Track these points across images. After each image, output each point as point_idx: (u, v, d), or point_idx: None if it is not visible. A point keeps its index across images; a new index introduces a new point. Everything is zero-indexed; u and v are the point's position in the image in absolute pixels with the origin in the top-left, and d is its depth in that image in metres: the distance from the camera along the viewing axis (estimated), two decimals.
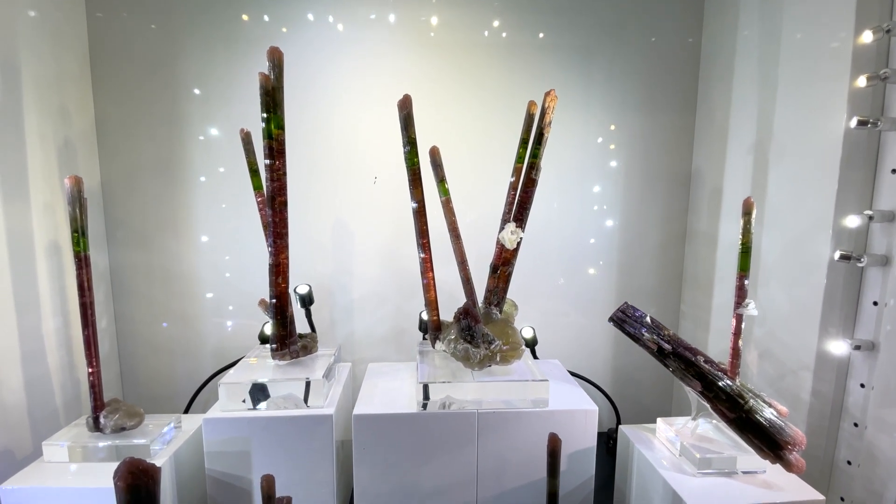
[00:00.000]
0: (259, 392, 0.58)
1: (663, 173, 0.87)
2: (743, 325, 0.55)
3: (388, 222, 0.85)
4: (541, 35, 0.83)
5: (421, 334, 0.76)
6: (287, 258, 0.59)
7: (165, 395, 0.85)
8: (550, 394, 0.60)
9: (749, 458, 0.53)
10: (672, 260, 0.89)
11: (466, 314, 0.55)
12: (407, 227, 0.84)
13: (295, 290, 0.71)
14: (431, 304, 0.64)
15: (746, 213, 0.52)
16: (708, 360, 0.55)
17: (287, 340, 0.61)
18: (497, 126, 0.83)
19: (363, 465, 0.57)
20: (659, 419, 0.61)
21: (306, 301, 0.71)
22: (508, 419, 0.57)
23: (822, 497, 0.49)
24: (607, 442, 0.87)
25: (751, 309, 0.52)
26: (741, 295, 0.52)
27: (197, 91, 0.80)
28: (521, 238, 0.59)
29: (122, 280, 0.83)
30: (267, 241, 0.59)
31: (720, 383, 0.52)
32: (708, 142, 0.82)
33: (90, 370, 0.56)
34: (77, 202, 0.54)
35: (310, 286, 0.72)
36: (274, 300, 0.59)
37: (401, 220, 0.85)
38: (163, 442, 0.59)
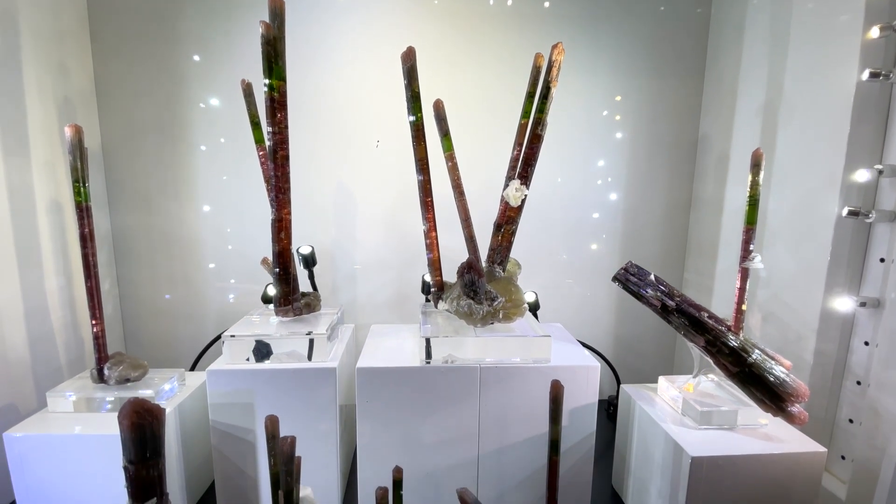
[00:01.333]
0: (262, 349, 0.58)
1: (669, 141, 0.86)
2: (748, 281, 0.54)
3: (391, 188, 0.84)
4: (546, 4, 0.82)
5: (424, 296, 0.76)
6: (289, 214, 0.58)
7: (169, 357, 0.86)
8: (552, 352, 0.60)
9: (750, 412, 0.54)
10: (676, 228, 0.89)
11: (470, 268, 0.55)
12: (410, 193, 0.83)
13: (298, 251, 0.70)
14: (434, 264, 0.64)
15: (755, 164, 0.51)
16: (712, 317, 0.54)
17: (290, 297, 0.61)
18: (501, 90, 0.82)
19: (366, 419, 0.57)
20: (661, 377, 0.61)
21: (309, 262, 0.71)
22: (510, 374, 0.57)
23: (823, 449, 0.50)
24: (607, 408, 0.88)
25: (757, 262, 0.51)
26: (748, 249, 0.52)
27: (196, 58, 0.79)
28: (525, 195, 0.59)
29: (124, 243, 0.83)
30: (269, 195, 0.58)
31: (724, 338, 0.52)
32: (716, 106, 0.80)
33: (93, 322, 0.56)
34: (77, 151, 0.53)
35: (312, 247, 0.72)
36: (277, 257, 0.59)
37: (404, 186, 0.84)
38: (167, 394, 0.59)
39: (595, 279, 0.90)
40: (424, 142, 0.59)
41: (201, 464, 0.64)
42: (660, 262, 0.90)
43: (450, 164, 0.61)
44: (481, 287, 0.57)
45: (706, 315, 0.54)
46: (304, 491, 0.43)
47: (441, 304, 0.65)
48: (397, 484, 0.42)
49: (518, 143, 0.60)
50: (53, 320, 0.69)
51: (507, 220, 0.60)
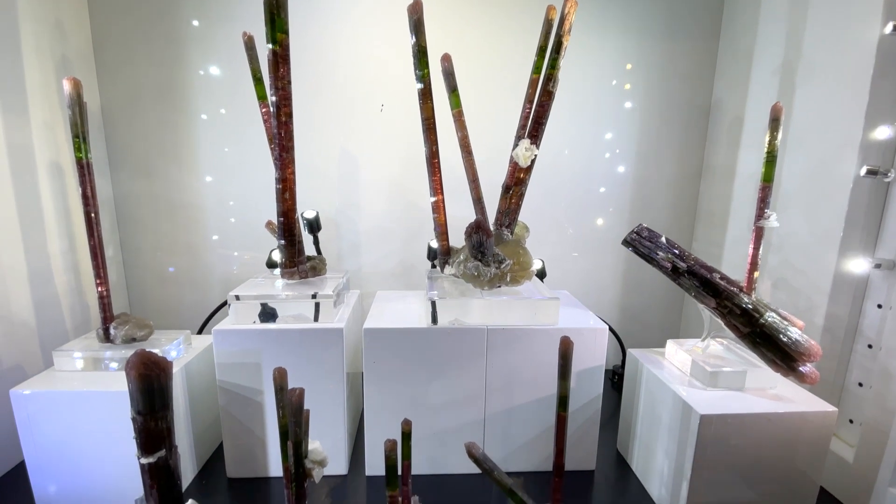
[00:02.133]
0: (268, 311, 0.58)
1: (682, 106, 0.83)
2: (761, 243, 0.53)
3: (395, 155, 0.83)
4: None
5: (430, 263, 0.75)
6: (293, 174, 0.57)
7: (175, 324, 0.86)
8: (560, 315, 0.59)
9: (760, 373, 0.53)
10: (686, 197, 0.87)
11: (478, 229, 0.54)
12: (416, 161, 0.82)
13: (302, 215, 0.69)
14: (441, 227, 0.63)
15: (774, 119, 0.49)
16: (724, 278, 0.54)
17: (295, 259, 0.61)
18: (512, 46, 0.79)
19: (373, 381, 0.57)
20: (669, 341, 0.60)
21: (314, 226, 0.70)
22: (518, 336, 0.57)
23: (833, 409, 0.49)
24: (612, 378, 0.88)
25: (772, 220, 0.50)
26: (763, 206, 0.50)
27: (196, 23, 0.76)
28: (535, 155, 0.57)
29: (126, 209, 0.82)
30: (272, 154, 0.57)
31: (736, 299, 0.52)
32: (731, 68, 0.78)
33: (97, 281, 0.56)
34: (77, 106, 0.52)
35: (317, 212, 0.71)
36: (281, 218, 0.58)
37: (409, 153, 0.83)
38: (174, 351, 0.59)
39: (601, 251, 0.89)
40: (431, 100, 0.58)
41: (209, 425, 0.64)
42: (669, 231, 0.88)
43: (457, 121, 0.59)
44: (489, 248, 0.56)
45: (718, 276, 0.54)
46: (313, 444, 0.43)
47: (447, 269, 0.65)
48: (406, 436, 0.41)
49: (528, 101, 0.59)
50: (58, 284, 0.69)
51: (517, 181, 0.59)
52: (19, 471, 0.60)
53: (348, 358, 0.60)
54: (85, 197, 0.54)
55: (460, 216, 0.68)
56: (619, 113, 0.83)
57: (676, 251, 0.55)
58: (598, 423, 0.60)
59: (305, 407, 0.44)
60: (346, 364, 0.58)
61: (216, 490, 0.57)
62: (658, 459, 0.56)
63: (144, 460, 0.42)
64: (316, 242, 0.72)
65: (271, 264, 0.72)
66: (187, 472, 0.58)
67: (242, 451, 0.59)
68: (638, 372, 0.61)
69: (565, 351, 0.45)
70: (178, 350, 0.60)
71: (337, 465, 0.60)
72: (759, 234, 0.52)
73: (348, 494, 0.57)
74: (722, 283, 0.53)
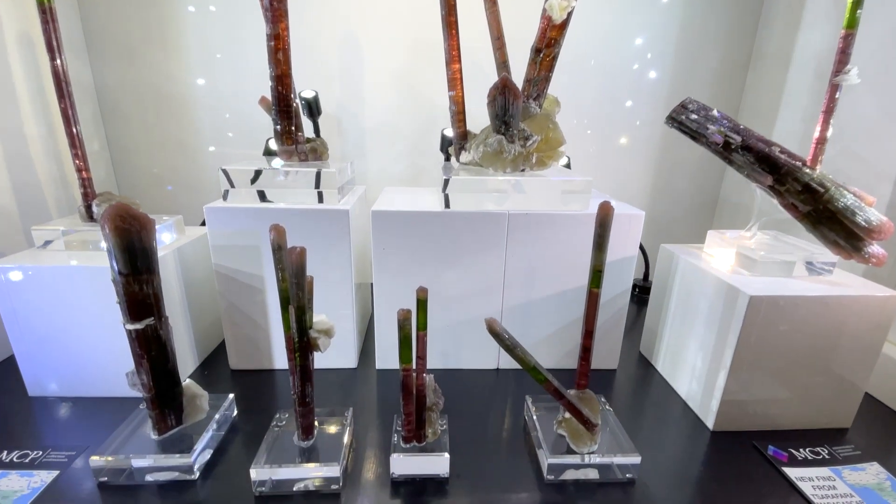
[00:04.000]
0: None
1: None
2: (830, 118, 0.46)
3: (404, 40, 0.74)
4: None
5: (443, 157, 0.68)
6: (287, 29, 0.49)
7: None
8: (590, 205, 0.53)
9: (816, 253, 0.48)
10: (730, 90, 0.78)
11: (504, 89, 0.46)
12: (425, 48, 0.73)
13: (300, 95, 0.62)
14: (457, 104, 0.55)
15: None
16: (784, 151, 0.47)
17: (293, 135, 0.54)
18: None
19: (383, 270, 0.53)
20: (710, 231, 0.55)
21: (313, 109, 0.63)
22: (542, 222, 0.51)
23: (893, 293, 0.44)
24: (633, 291, 0.83)
25: (852, 76, 0.42)
26: (843, 60, 0.42)
27: None
28: (572, 7, 0.49)
29: (110, 100, 0.75)
30: (262, 4, 0.49)
31: (797, 174, 0.45)
32: None
33: (74, 151, 0.50)
34: None
35: (316, 92, 0.63)
36: (274, 83, 0.51)
37: (419, 38, 0.73)
38: (167, 233, 0.54)
39: (629, 154, 0.82)
40: None
41: (212, 323, 0.61)
42: None
43: None
44: (516, 115, 0.49)
45: (777, 150, 0.47)
46: (319, 316, 0.39)
47: (464, 156, 0.58)
48: (422, 304, 0.37)
49: None
50: (39, 171, 0.64)
51: (549, 42, 0.51)
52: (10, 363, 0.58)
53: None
54: (50, 49, 0.46)
55: (482, 115, 0.60)
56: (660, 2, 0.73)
57: (729, 124, 0.48)
58: (625, 318, 0.56)
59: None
60: (353, 257, 0.53)
61: (218, 381, 0.55)
62: (689, 356, 0.52)
63: (130, 326, 0.37)
64: (316, 128, 0.65)
65: (268, 153, 0.66)
66: (187, 364, 0.56)
67: (245, 342, 0.55)
68: (672, 265, 0.55)
69: (604, 218, 0.39)
70: (171, 233, 0.55)
71: (346, 358, 0.57)
72: (833, 93, 0.44)
73: (358, 385, 0.54)
74: (783, 156, 0.46)
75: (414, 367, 0.38)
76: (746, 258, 0.49)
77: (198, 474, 0.40)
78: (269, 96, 0.52)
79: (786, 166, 0.46)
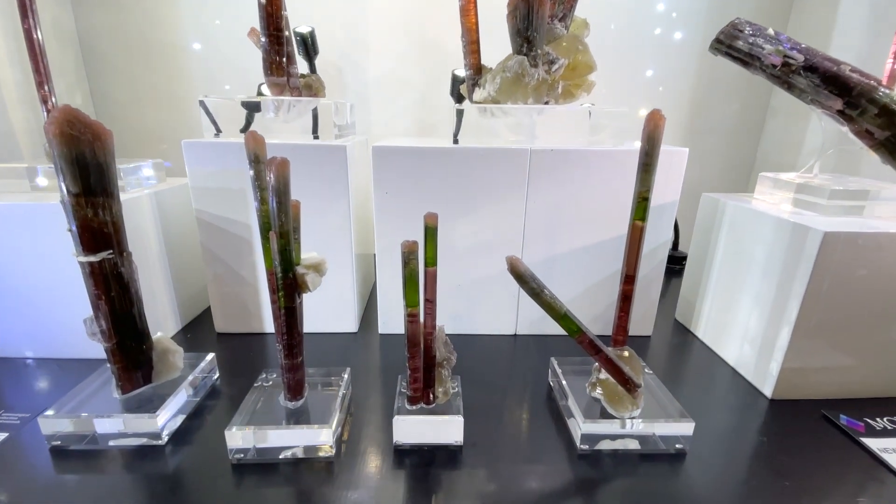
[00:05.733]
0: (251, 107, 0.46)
1: None
2: None
3: None
4: None
5: (454, 103, 0.61)
6: None
7: None
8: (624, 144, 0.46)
9: (887, 193, 0.40)
10: (771, 20, 0.71)
11: None
12: None
13: (295, 31, 0.56)
14: (470, 34, 0.49)
15: None
16: (855, 70, 0.40)
17: (285, 67, 0.47)
18: None
19: (386, 216, 0.46)
20: (761, 174, 0.47)
21: (309, 47, 0.56)
22: (570, 160, 0.44)
23: None
24: None
25: None
26: None
27: None
28: None
29: (93, 48, 0.69)
30: None
31: (873, 94, 0.38)
32: None
33: (38, 79, 0.44)
34: None
35: (312, 28, 0.57)
36: (263, 9, 0.44)
37: None
38: (146, 170, 0.48)
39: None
40: None
41: (197, 288, 0.55)
42: (742, 73, 0.73)
43: None
44: (541, 29, 0.42)
45: (848, 68, 0.40)
46: (310, 253, 0.33)
47: (478, 93, 0.51)
48: (430, 233, 0.30)
49: None
50: (13, 119, 0.58)
51: None
52: None
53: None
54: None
55: (497, 50, 0.53)
56: None
57: (788, 42, 0.41)
58: (662, 274, 0.49)
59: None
60: (352, 203, 0.47)
61: (202, 344, 0.49)
62: (741, 315, 0.44)
63: (83, 258, 0.31)
64: (312, 67, 0.58)
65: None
66: (167, 326, 0.50)
67: (231, 302, 0.49)
68: (717, 214, 0.48)
69: (653, 130, 0.32)
70: (149, 170, 0.49)
71: (346, 321, 0.51)
72: None
73: (359, 350, 0.48)
74: (854, 76, 0.39)
75: (422, 311, 0.32)
76: (815, 189, 0.41)
77: (166, 439, 0.34)
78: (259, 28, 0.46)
79: (858, 86, 0.39)
